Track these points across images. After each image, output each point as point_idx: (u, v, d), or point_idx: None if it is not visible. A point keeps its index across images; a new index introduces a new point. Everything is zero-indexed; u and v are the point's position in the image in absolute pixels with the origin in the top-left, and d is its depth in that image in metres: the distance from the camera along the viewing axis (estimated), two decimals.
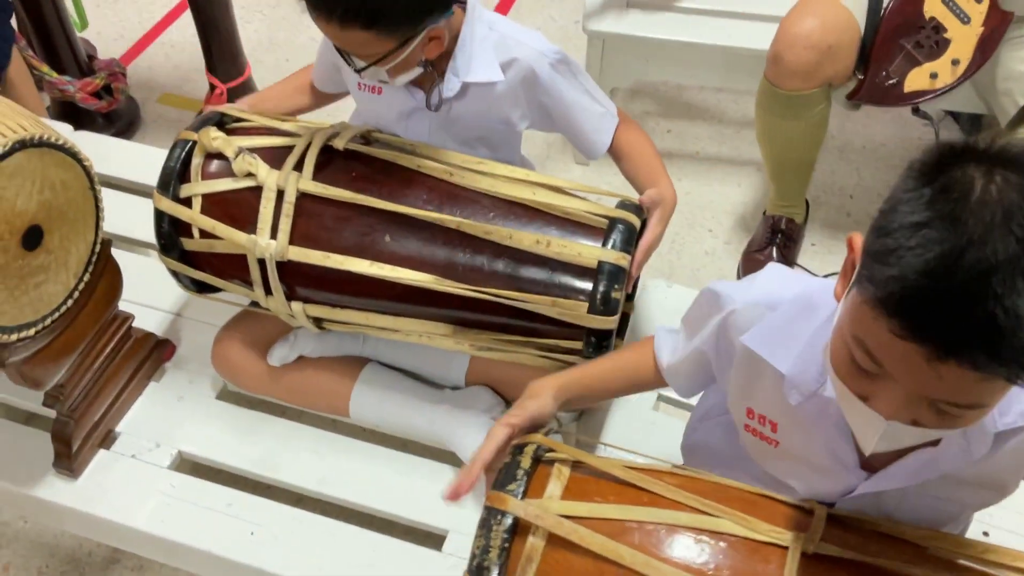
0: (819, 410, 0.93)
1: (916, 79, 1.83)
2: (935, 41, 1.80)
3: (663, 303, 1.64)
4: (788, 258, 2.18)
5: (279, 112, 1.58)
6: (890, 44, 1.83)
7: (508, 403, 1.49)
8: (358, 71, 1.30)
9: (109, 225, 1.74)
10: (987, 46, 1.80)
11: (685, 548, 0.91)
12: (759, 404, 1.01)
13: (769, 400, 0.99)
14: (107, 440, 1.47)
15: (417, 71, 1.33)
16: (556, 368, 1.38)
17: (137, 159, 1.91)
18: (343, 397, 1.47)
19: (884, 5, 1.86)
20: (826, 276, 2.14)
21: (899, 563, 0.89)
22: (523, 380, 1.44)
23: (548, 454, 1.05)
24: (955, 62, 1.80)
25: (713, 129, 2.60)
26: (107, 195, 1.82)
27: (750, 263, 2.19)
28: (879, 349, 0.75)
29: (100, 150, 1.92)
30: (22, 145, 1.16)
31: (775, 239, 2.17)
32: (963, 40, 1.80)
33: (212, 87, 2.42)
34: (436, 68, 1.37)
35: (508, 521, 0.95)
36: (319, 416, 1.55)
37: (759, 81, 2.27)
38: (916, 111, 1.95)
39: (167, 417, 1.51)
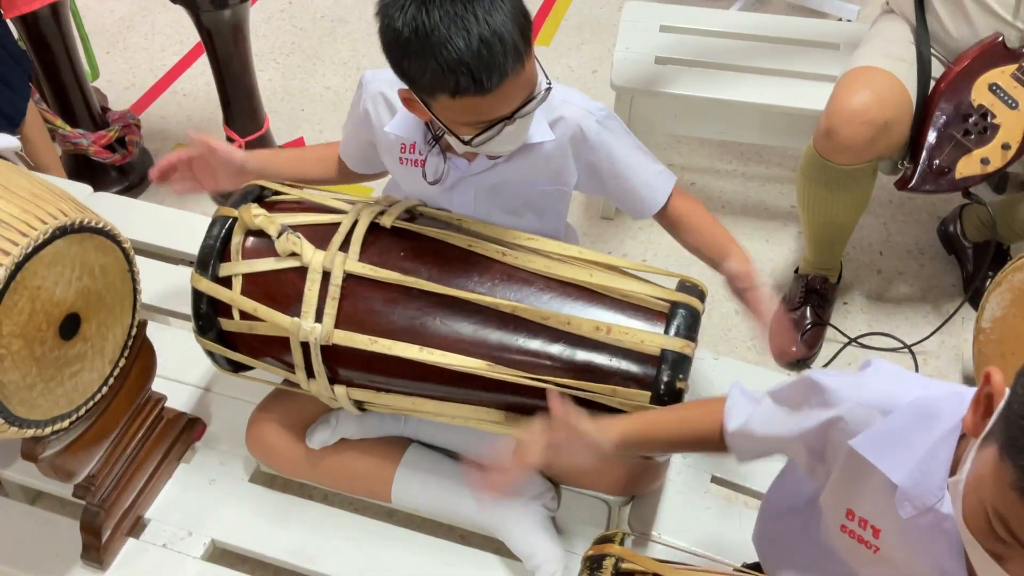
0: (933, 526, 0.88)
1: (967, 165, 1.80)
2: (984, 127, 1.78)
3: (711, 376, 1.59)
4: (822, 318, 2.13)
5: (288, 175, 1.50)
6: (939, 135, 1.80)
7: (558, 487, 1.43)
8: (514, 116, 1.19)
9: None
10: None
11: None
12: (862, 507, 0.95)
13: (875, 506, 0.94)
14: (136, 528, 1.41)
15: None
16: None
17: (158, 221, 1.85)
18: (385, 481, 1.41)
19: (933, 76, 1.84)
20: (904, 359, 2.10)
21: None
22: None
23: (625, 564, 1.00)
24: (1006, 146, 1.78)
25: (738, 182, 2.56)
26: None
27: (783, 323, 2.14)
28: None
29: (120, 212, 1.85)
30: (62, 232, 1.11)
31: (809, 299, 2.13)
32: (1013, 124, 1.78)
33: (230, 140, 2.37)
34: None
35: None
36: (353, 499, 1.48)
37: (789, 137, 2.24)
38: (968, 195, 1.92)
39: (199, 502, 1.44)
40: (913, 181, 1.84)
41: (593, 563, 0.97)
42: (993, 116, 1.78)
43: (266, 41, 2.99)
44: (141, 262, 1.77)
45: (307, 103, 2.80)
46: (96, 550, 1.33)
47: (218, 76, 2.26)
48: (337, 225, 1.32)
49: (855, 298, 2.26)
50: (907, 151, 1.86)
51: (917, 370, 2.09)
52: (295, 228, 1.32)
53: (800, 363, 2.09)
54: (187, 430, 1.48)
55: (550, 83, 1.23)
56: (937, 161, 1.80)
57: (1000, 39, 1.80)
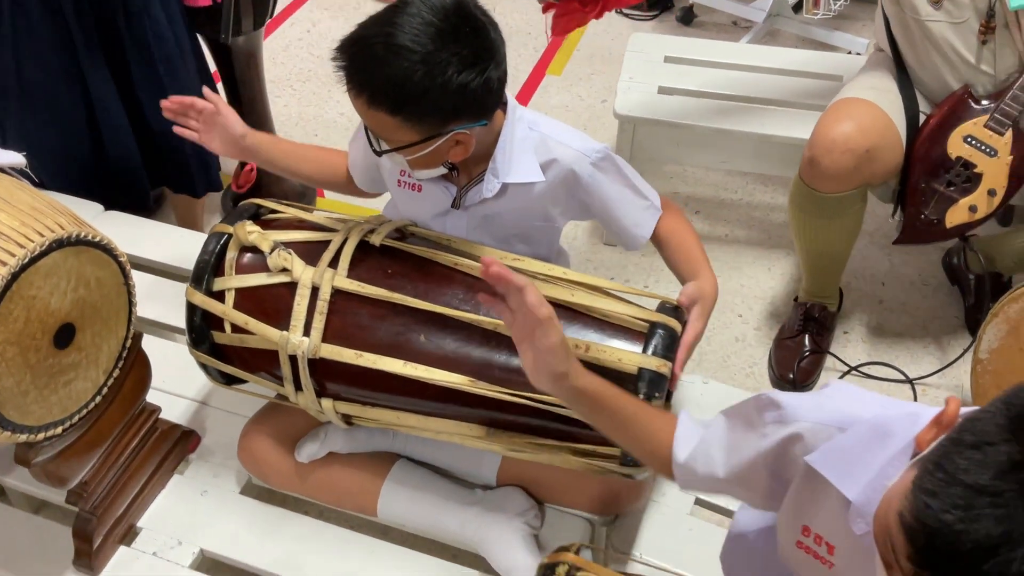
0: None
1: (956, 215, 1.83)
2: (967, 177, 1.80)
3: (699, 400, 1.61)
4: (821, 346, 2.14)
5: (283, 166, 1.56)
6: (923, 188, 1.84)
7: (541, 505, 1.45)
8: (377, 154, 1.30)
9: (141, 309, 1.73)
10: (1022, 169, 1.79)
11: None
12: (818, 524, 0.97)
13: (830, 522, 0.95)
14: (128, 536, 1.44)
15: (440, 170, 1.32)
16: (591, 471, 1.35)
17: (167, 241, 1.90)
18: (372, 496, 1.44)
19: (922, 117, 1.86)
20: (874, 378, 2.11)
21: None
22: (556, 480, 1.43)
23: (579, 574, 1.01)
24: (992, 192, 1.80)
25: (742, 211, 2.58)
26: (136, 277, 1.83)
27: (782, 350, 2.15)
28: (901, 555, 0.72)
29: (129, 231, 1.92)
30: (59, 244, 1.15)
31: (808, 327, 2.14)
32: (995, 172, 1.79)
33: (242, 163, 2.42)
34: (472, 169, 1.36)
35: None
36: (344, 513, 1.51)
37: (789, 167, 2.26)
38: (965, 238, 1.95)
39: (190, 512, 1.47)
40: (906, 236, 1.87)
41: (547, 569, 0.99)
42: (974, 166, 1.80)
43: (283, 68, 3.07)
44: (148, 279, 1.83)
45: (321, 128, 2.86)
46: (87, 556, 1.36)
47: (232, 98, 2.32)
48: (328, 242, 1.36)
49: (855, 327, 2.27)
50: (897, 206, 1.89)
51: (916, 400, 2.09)
52: (287, 245, 1.36)
53: (797, 390, 2.10)
54: (182, 442, 1.52)
55: (450, 168, 1.33)
56: (925, 214, 1.84)
57: (967, 92, 1.81)
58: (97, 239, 1.21)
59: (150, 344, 1.68)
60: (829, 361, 2.16)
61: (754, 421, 1.02)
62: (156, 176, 2.18)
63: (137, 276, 1.83)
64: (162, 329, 1.76)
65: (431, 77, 1.18)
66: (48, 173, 1.97)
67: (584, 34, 3.29)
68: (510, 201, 1.38)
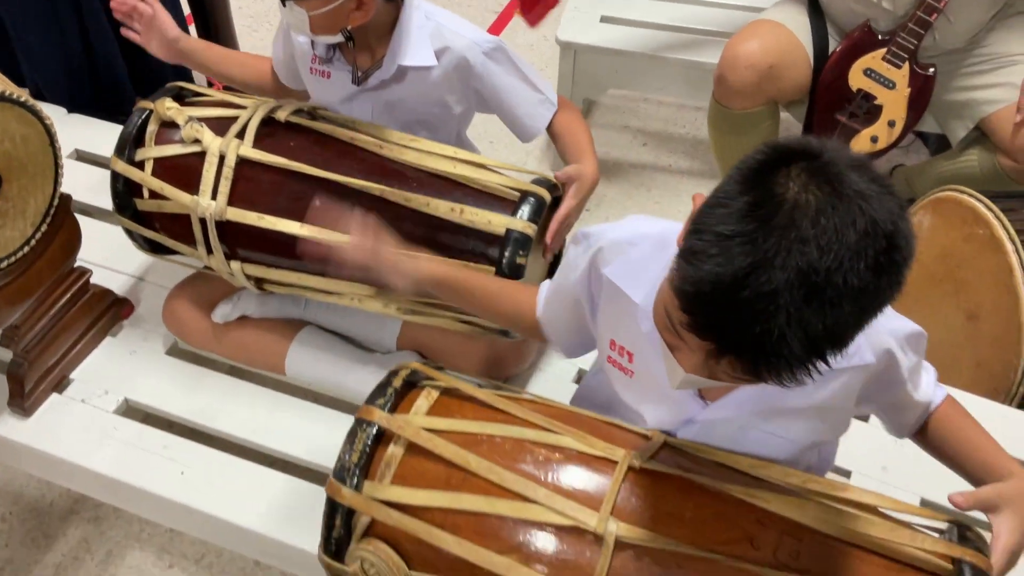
0: None
1: (859, 145, 1.94)
2: (868, 109, 1.90)
3: None
4: None
5: (216, 70, 1.70)
6: (826, 120, 1.94)
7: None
8: (283, 2, 1.39)
9: (95, 199, 1.88)
10: (919, 102, 1.90)
11: (525, 458, 0.99)
12: (620, 336, 1.09)
13: (627, 331, 1.07)
14: (61, 385, 1.59)
15: (338, 38, 1.43)
16: (478, 334, 1.48)
17: None
18: (280, 355, 1.58)
19: (831, 48, 1.96)
20: None
21: (719, 480, 0.96)
22: (450, 347, 1.56)
23: (425, 381, 1.15)
24: (891, 123, 1.90)
25: (687, 144, 2.69)
26: (93, 172, 1.98)
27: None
28: (679, 325, 0.84)
29: (90, 132, 2.07)
30: None
31: None
32: (894, 103, 1.89)
33: (210, 86, 2.57)
34: (375, 50, 1.49)
35: (372, 431, 1.04)
36: (262, 376, 1.65)
37: None
38: None
39: (118, 368, 1.62)
40: None
41: (392, 372, 1.12)
42: (874, 98, 1.90)
43: (263, 4, 3.20)
44: (101, 172, 1.98)
45: None
46: (20, 397, 1.51)
47: (200, 22, 2.46)
48: (238, 117, 1.50)
49: None
50: (805, 124, 1.99)
51: None
52: (201, 120, 1.50)
53: None
54: (115, 307, 1.66)
55: (347, 37, 1.41)
56: None
57: (868, 27, 1.91)
58: (22, 99, 1.35)
59: (97, 229, 1.83)
60: None
61: (576, 257, 1.15)
62: (140, 88, 2.31)
63: (91, 170, 2.00)
64: (109, 215, 1.90)
65: None
66: (51, 88, 2.12)
67: None
68: (409, 87, 1.50)
